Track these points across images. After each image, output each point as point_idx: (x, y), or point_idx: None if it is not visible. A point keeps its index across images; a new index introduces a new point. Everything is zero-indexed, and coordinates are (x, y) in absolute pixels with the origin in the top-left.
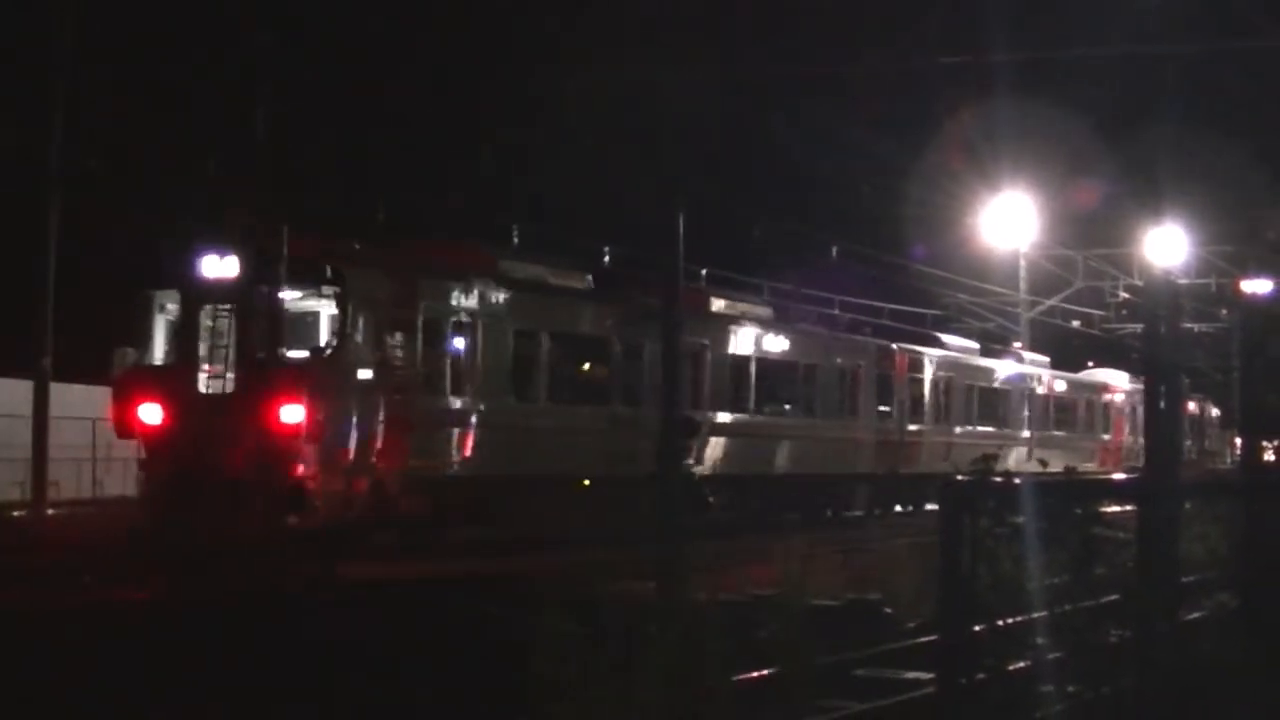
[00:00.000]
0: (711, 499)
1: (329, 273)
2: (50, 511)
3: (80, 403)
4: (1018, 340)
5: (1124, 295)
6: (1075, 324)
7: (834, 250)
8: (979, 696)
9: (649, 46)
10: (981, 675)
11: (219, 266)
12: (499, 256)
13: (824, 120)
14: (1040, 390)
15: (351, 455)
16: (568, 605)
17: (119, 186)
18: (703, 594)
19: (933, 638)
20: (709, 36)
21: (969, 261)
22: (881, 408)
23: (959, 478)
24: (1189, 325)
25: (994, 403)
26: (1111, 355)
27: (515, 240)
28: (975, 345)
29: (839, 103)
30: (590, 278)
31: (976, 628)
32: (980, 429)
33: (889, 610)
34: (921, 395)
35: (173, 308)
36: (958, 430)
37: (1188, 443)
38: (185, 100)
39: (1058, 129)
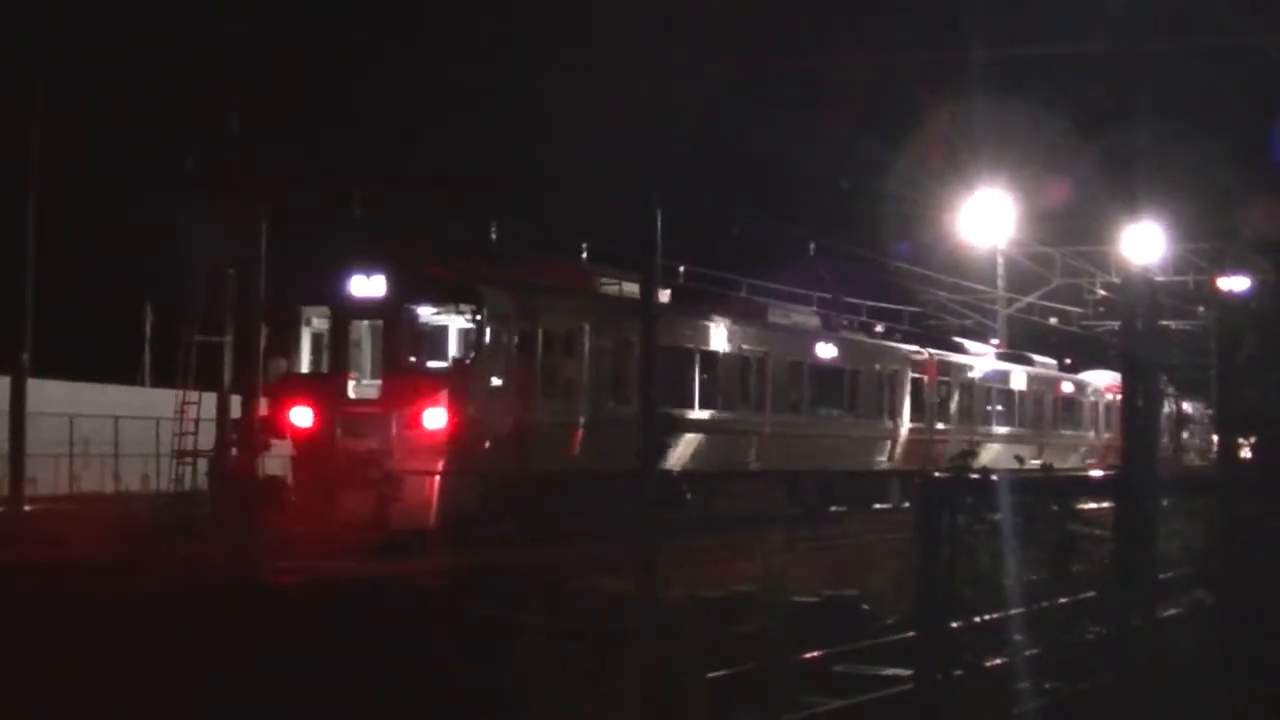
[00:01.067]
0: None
1: (468, 293)
2: (27, 508)
3: (59, 399)
4: (994, 337)
5: (1101, 292)
6: (1053, 321)
7: (811, 247)
8: (956, 693)
9: (630, 45)
10: (959, 672)
11: (367, 286)
12: (593, 273)
13: (803, 118)
14: (1050, 394)
15: (484, 452)
16: (549, 601)
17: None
18: (682, 591)
19: (911, 634)
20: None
21: (947, 258)
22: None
23: (936, 474)
24: (1166, 322)
25: (1010, 404)
26: (1089, 352)
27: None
28: (992, 350)
29: (819, 101)
30: (668, 292)
31: (954, 624)
32: (998, 429)
33: (867, 607)
34: (949, 397)
35: (319, 323)
36: (979, 429)
37: (1165, 439)
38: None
39: (1036, 127)
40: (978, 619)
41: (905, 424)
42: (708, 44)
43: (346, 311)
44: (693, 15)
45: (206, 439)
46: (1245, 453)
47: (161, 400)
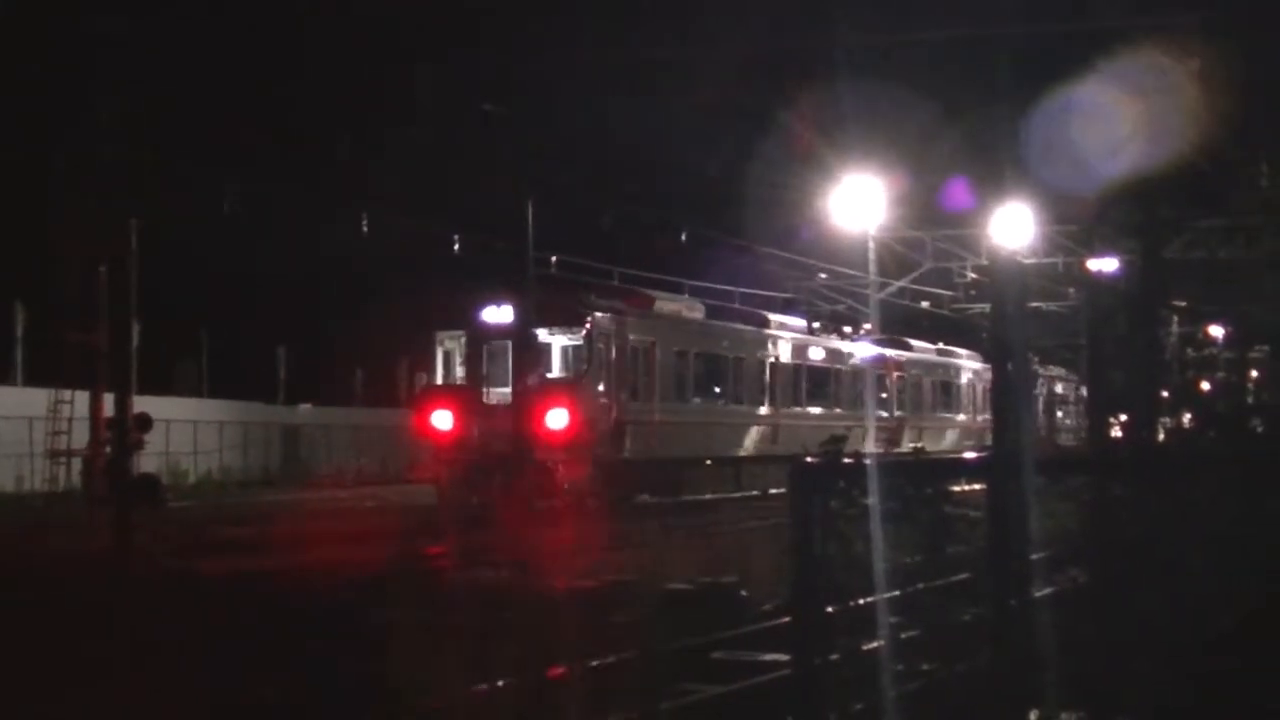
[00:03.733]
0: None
1: (581, 318)
2: None
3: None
4: (867, 322)
5: (972, 275)
6: (925, 305)
7: (683, 235)
8: (834, 677)
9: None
10: (835, 656)
11: (498, 314)
12: (653, 297)
13: (671, 106)
14: (979, 383)
15: (593, 447)
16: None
17: None
18: (559, 580)
19: (788, 619)
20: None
21: (819, 244)
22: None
23: (808, 459)
24: (1037, 304)
25: (949, 393)
26: (960, 335)
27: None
28: (933, 346)
29: (685, 88)
30: (703, 308)
31: (830, 609)
32: (940, 414)
33: (745, 593)
34: (905, 389)
35: (449, 344)
36: (926, 415)
37: (1039, 420)
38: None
39: (904, 112)
40: (854, 603)
41: (874, 412)
42: (574, 29)
43: (480, 335)
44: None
45: (81, 437)
46: (1117, 432)
47: (35, 399)
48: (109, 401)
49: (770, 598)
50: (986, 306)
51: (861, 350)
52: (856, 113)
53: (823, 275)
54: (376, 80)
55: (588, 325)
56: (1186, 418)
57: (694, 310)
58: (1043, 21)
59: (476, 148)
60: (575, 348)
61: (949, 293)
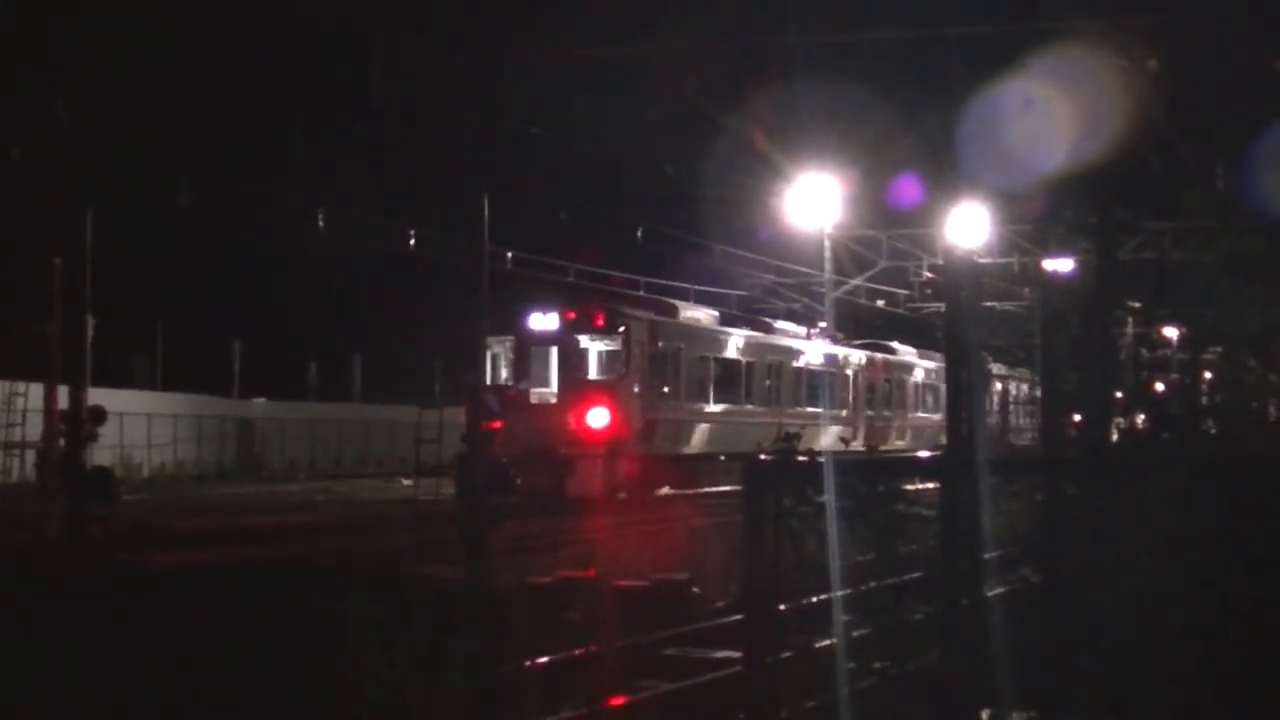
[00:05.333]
0: None
1: (620, 325)
2: None
3: None
4: (823, 320)
5: (927, 274)
6: (880, 303)
7: (639, 232)
8: (785, 674)
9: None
10: (787, 653)
11: (544, 321)
12: (677, 306)
13: (627, 103)
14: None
15: (629, 443)
16: (375, 588)
17: None
18: (511, 577)
19: (740, 616)
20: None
21: (776, 243)
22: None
23: (761, 457)
24: (992, 304)
25: (927, 394)
26: (915, 334)
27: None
28: (914, 350)
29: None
30: (717, 315)
31: (782, 606)
32: (920, 415)
33: (697, 590)
34: (889, 390)
35: (497, 349)
36: (909, 415)
37: (993, 419)
38: None
39: (860, 110)
40: (806, 601)
41: (864, 413)
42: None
43: (528, 340)
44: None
45: (36, 430)
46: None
47: None
48: (63, 394)
49: (724, 595)
50: (941, 306)
51: (853, 355)
52: (812, 112)
53: (769, 276)
54: (331, 73)
55: (626, 332)
56: (1140, 418)
57: (709, 319)
58: (996, 21)
59: (432, 143)
60: (610, 352)
61: (904, 292)
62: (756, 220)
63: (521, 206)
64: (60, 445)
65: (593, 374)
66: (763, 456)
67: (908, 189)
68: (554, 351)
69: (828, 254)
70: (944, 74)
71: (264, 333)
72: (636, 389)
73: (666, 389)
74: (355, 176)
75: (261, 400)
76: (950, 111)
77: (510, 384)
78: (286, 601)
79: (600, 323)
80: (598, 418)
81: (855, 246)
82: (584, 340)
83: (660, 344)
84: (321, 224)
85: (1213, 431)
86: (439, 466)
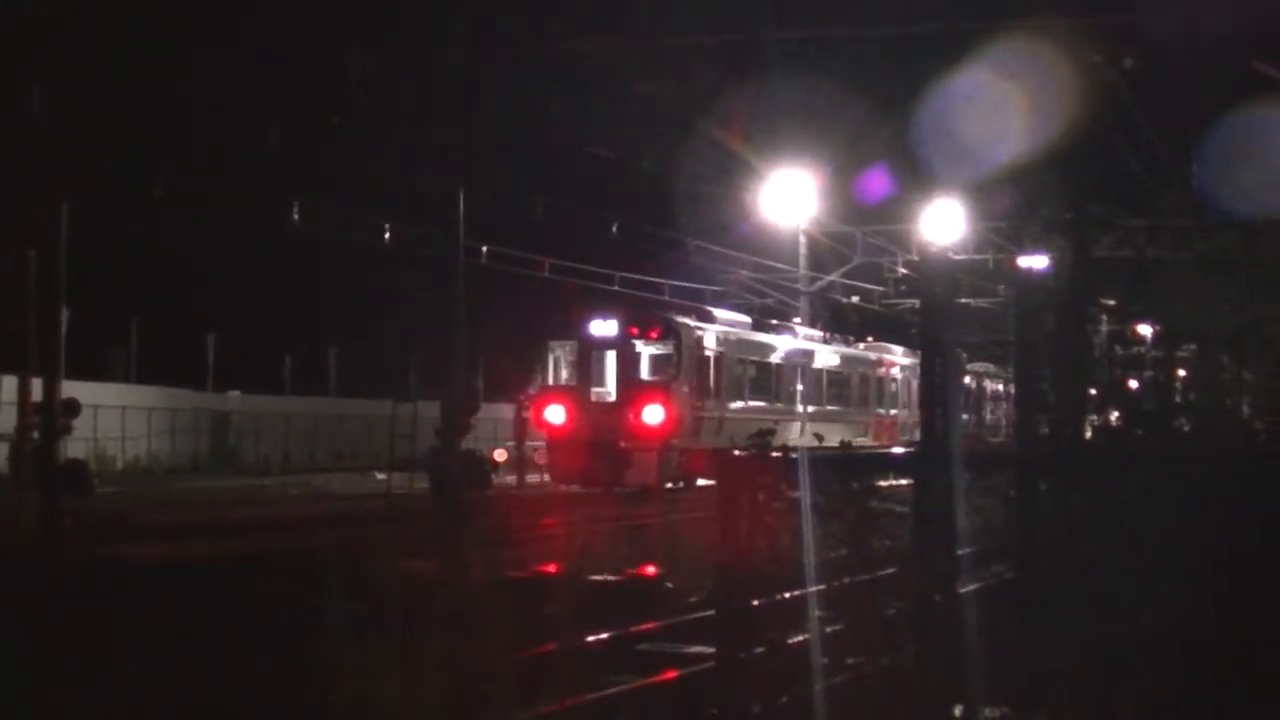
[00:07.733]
0: None
1: (673, 331)
2: None
3: None
4: (797, 315)
5: (902, 271)
6: (854, 299)
7: (614, 227)
8: (759, 670)
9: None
10: (761, 649)
11: (604, 328)
12: (714, 314)
13: (600, 98)
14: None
15: (680, 439)
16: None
17: None
18: (486, 572)
19: (713, 612)
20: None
21: (752, 238)
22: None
23: (735, 452)
24: (967, 300)
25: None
26: (889, 330)
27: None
28: (912, 350)
29: (617, 82)
30: (749, 322)
31: (755, 602)
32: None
33: (671, 585)
34: (894, 389)
35: (559, 352)
36: (911, 412)
37: (967, 416)
38: None
39: (836, 107)
40: (780, 596)
41: (873, 410)
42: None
43: (589, 344)
44: None
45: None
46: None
47: None
48: (37, 386)
49: (697, 590)
50: (916, 302)
51: (862, 355)
52: (788, 107)
53: (743, 271)
54: (308, 67)
55: (678, 338)
56: (1114, 416)
57: (740, 322)
58: (971, 17)
59: (408, 137)
60: (662, 356)
61: (879, 288)
62: (732, 215)
63: (498, 202)
64: (34, 438)
65: (645, 375)
66: (736, 452)
67: (881, 182)
68: (610, 355)
69: (803, 249)
70: (919, 71)
71: (239, 326)
72: (686, 389)
73: (711, 389)
74: (332, 170)
75: (236, 394)
76: (926, 108)
77: (570, 385)
78: (258, 596)
79: (656, 332)
80: (653, 415)
81: (830, 242)
82: (639, 345)
83: (705, 349)
84: (297, 217)
85: (1186, 429)
86: (410, 460)
